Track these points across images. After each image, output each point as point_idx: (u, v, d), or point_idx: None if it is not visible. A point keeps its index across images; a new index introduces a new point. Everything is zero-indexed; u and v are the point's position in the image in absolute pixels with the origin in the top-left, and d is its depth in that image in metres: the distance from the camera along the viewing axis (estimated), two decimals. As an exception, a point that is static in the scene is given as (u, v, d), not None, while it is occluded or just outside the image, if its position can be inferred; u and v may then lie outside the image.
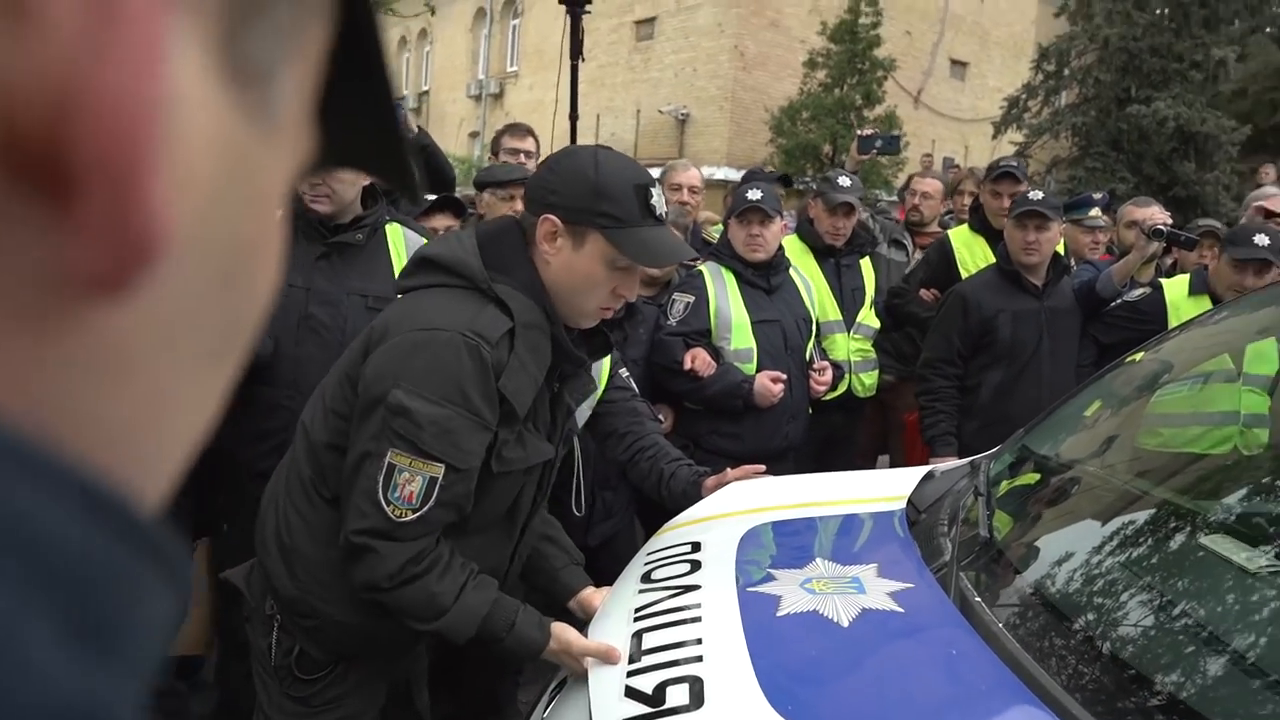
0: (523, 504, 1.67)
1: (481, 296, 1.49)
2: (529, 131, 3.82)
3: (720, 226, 4.34)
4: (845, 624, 1.46)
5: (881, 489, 2.19)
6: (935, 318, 3.57)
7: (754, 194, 3.21)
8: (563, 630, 1.58)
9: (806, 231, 3.69)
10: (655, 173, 3.95)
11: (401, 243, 2.64)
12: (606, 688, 1.44)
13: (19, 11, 0.16)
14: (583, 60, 3.73)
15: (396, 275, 2.50)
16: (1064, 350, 3.40)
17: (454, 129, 25.46)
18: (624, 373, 2.77)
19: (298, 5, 0.23)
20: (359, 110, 0.28)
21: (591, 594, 1.88)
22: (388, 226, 2.62)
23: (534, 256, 1.54)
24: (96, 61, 0.17)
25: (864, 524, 1.99)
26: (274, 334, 2.41)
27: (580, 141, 3.90)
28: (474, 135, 24.66)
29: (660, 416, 2.83)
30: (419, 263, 1.58)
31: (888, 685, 1.32)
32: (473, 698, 2.73)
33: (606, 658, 1.50)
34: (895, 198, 6.67)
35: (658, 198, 1.52)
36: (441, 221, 2.81)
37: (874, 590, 1.57)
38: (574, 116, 3.84)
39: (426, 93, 27.45)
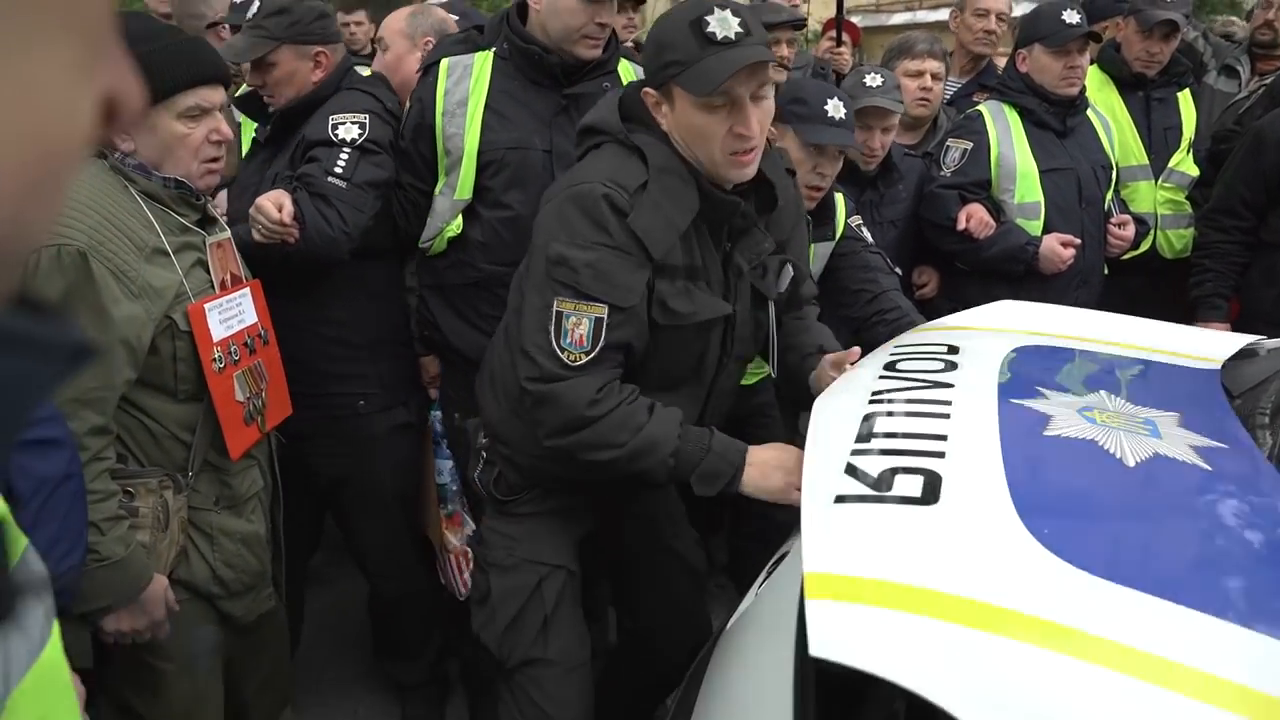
0: (708, 363, 1.66)
1: (625, 150, 1.55)
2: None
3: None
4: (1130, 463, 1.20)
5: (1187, 345, 1.83)
6: (1229, 160, 2.86)
7: (1072, 16, 2.65)
8: (759, 449, 1.56)
9: (1110, 58, 3.05)
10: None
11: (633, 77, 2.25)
12: (825, 462, 1.27)
13: None
14: None
15: None
16: None
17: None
18: (855, 221, 2.46)
19: None
20: None
21: (844, 356, 1.75)
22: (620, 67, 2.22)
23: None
24: None
25: (1167, 373, 1.66)
26: (515, 205, 2.10)
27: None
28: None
29: (898, 270, 2.48)
30: (581, 131, 1.67)
31: (1183, 541, 1.07)
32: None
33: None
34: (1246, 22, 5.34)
35: (716, 23, 1.45)
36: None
37: (1172, 438, 1.29)
38: None
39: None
